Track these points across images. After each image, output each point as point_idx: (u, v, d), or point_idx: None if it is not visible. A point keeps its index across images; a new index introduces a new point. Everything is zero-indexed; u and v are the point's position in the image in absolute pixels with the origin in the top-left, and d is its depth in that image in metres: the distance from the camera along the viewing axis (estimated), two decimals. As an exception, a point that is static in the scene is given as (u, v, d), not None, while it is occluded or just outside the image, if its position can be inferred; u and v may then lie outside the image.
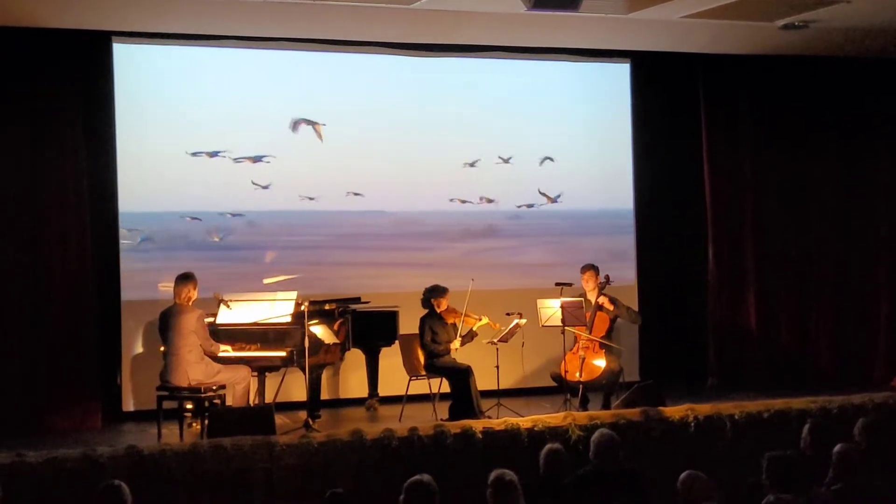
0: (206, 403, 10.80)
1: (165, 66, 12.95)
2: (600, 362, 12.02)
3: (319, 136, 13.22)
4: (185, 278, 11.06)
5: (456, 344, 11.96)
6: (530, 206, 14.26)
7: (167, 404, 10.90)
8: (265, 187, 13.22)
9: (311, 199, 13.33)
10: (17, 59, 11.90)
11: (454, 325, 12.05)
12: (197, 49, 12.98)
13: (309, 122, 13.13)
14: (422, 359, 12.16)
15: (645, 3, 11.69)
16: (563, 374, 11.94)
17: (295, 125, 13.10)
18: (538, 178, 14.26)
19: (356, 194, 13.51)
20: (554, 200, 14.26)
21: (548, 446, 8.58)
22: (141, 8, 11.46)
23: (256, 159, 13.00)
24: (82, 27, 11.96)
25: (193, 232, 13.09)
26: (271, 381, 11.76)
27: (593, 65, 14.49)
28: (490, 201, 14.12)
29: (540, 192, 14.20)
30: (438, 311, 12.08)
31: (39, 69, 11.99)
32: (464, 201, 14.01)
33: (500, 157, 14.06)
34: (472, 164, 13.93)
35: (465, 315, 12.01)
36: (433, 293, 12.13)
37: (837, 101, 14.58)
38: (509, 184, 14.17)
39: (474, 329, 12.07)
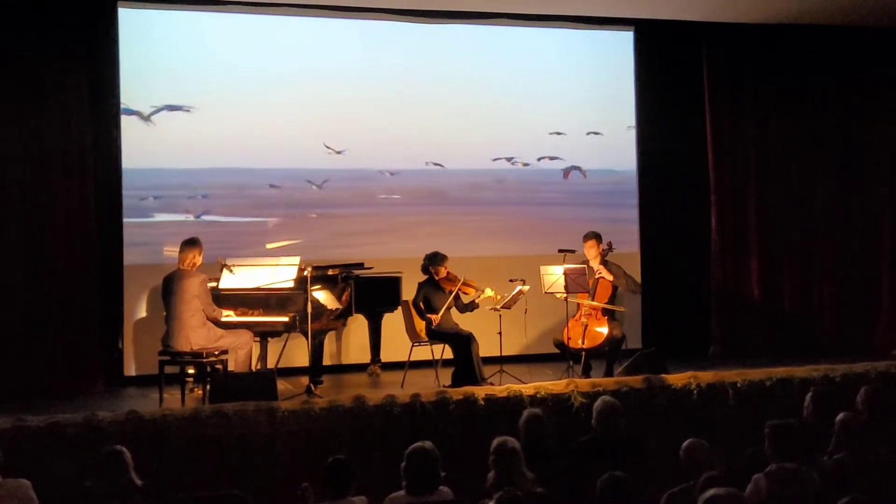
0: (209, 368, 10.79)
1: (170, 30, 12.94)
2: (603, 329, 12.00)
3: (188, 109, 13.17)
4: (190, 243, 11.05)
5: (436, 318, 11.93)
6: (526, 164, 14.31)
7: (169, 369, 10.88)
8: (339, 152, 13.39)
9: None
10: (23, 23, 11.88)
11: (451, 292, 12.02)
12: (209, 15, 13.03)
13: (173, 108, 13.02)
14: (423, 324, 12.18)
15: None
16: (565, 340, 11.93)
17: (150, 115, 12.99)
18: (542, 147, 14.26)
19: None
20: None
21: (527, 411, 8.61)
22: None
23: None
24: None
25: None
26: (273, 346, 11.76)
27: (597, 33, 14.42)
28: (510, 159, 14.22)
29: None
30: (437, 278, 12.07)
31: (46, 33, 11.97)
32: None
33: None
34: (471, 131, 13.98)
35: (464, 284, 11.99)
36: (432, 260, 12.11)
37: (840, 69, 14.55)
38: (513, 148, 14.19)
39: (477, 301, 12.04)
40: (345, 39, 13.54)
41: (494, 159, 14.12)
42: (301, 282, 11.16)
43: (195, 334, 10.71)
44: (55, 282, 11.93)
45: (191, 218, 13.00)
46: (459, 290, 11.98)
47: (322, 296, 11.37)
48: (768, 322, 14.23)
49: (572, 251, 12.15)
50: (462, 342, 11.69)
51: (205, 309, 10.82)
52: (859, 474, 7.49)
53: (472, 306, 12.03)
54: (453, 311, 12.07)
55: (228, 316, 11.11)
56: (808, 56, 14.45)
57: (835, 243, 14.59)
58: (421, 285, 12.13)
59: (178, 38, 12.98)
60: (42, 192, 11.97)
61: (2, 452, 7.75)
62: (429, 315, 11.95)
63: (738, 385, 10.94)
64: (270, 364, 11.67)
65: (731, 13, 13.60)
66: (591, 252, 12.27)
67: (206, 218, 13.05)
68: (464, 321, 12.08)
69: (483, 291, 12.01)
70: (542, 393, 10.38)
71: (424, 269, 12.14)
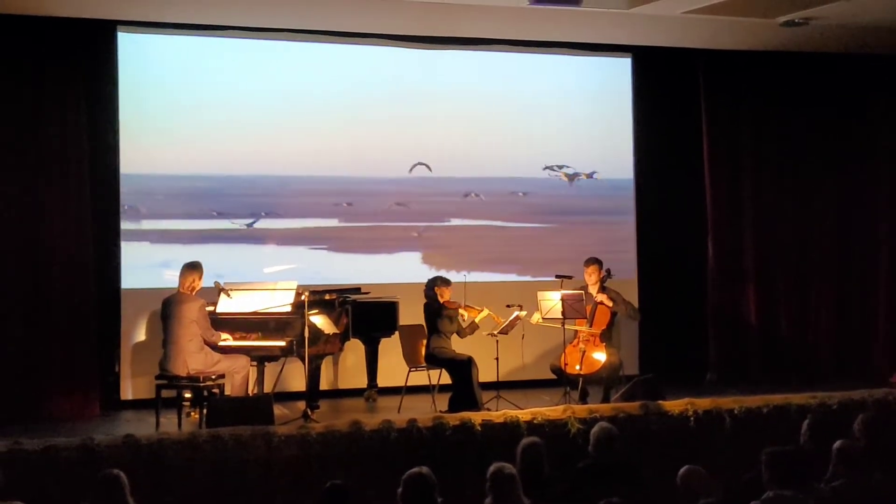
0: (205, 393, 10.79)
1: (169, 55, 13.01)
2: (600, 355, 11.99)
3: None
4: (191, 267, 11.08)
5: (465, 314, 11.95)
6: (525, 193, 14.40)
7: (166, 393, 10.90)
8: (428, 167, 13.75)
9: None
10: (24, 46, 11.93)
11: (453, 316, 12.02)
12: (203, 39, 13.08)
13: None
14: (422, 349, 12.18)
15: (646, -1, 11.73)
16: (562, 366, 11.92)
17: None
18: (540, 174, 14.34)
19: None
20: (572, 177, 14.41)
21: (525, 440, 8.58)
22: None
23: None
24: (89, 16, 11.99)
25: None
26: (270, 370, 11.77)
27: (595, 59, 14.46)
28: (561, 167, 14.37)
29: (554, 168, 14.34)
30: (441, 300, 12.06)
31: (46, 57, 12.02)
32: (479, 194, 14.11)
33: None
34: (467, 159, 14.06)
35: (466, 306, 12.00)
36: (436, 282, 12.11)
37: (837, 97, 14.62)
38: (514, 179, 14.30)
39: (476, 321, 12.02)
40: (338, 62, 13.64)
41: (545, 167, 14.32)
42: (298, 306, 11.17)
43: (192, 359, 10.71)
44: (53, 305, 11.95)
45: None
46: (461, 313, 11.97)
47: (319, 320, 11.37)
48: (765, 348, 14.24)
49: (569, 277, 12.16)
50: (461, 367, 11.67)
51: (203, 333, 10.83)
52: (856, 502, 7.48)
53: (472, 328, 12.03)
54: (453, 336, 12.06)
55: (226, 340, 11.11)
56: (805, 83, 14.52)
57: (832, 269, 14.64)
58: (428, 307, 12.11)
59: (176, 60, 13.06)
60: (40, 215, 11.99)
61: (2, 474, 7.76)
62: (467, 307, 11.96)
63: (735, 412, 10.91)
64: (267, 388, 11.69)
65: (728, 41, 13.65)
66: (592, 278, 12.27)
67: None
68: (462, 346, 12.07)
69: (481, 311, 12.00)
70: (539, 419, 10.36)
71: (428, 293, 12.13)
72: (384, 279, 13.19)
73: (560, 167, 14.28)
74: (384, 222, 13.85)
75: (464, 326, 12.01)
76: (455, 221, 14.16)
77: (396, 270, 13.54)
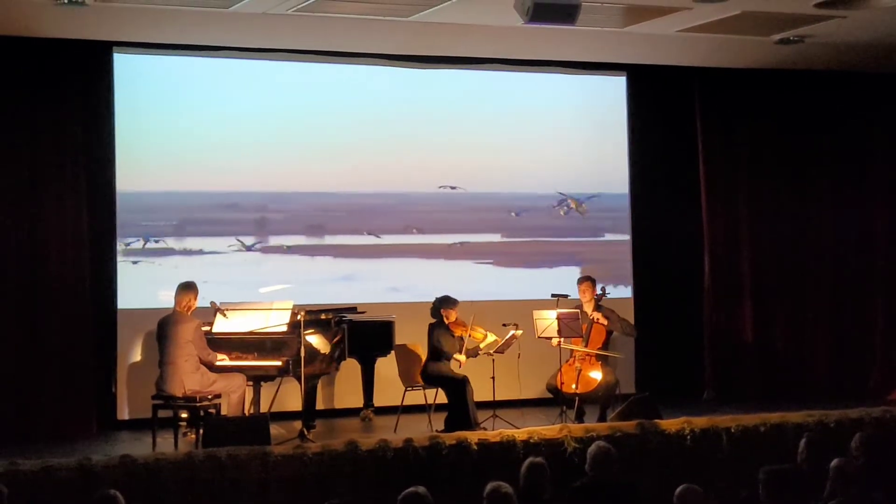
0: (202, 413, 10.79)
1: (165, 75, 13.03)
2: (596, 374, 11.99)
3: None
4: (187, 287, 11.12)
5: (461, 358, 11.92)
6: (518, 213, 14.47)
7: (162, 413, 10.91)
8: (453, 188, 13.85)
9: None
10: (21, 68, 11.96)
11: (461, 338, 12.00)
12: (198, 59, 13.06)
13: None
14: (418, 367, 12.17)
15: (641, 17, 11.70)
16: (559, 385, 11.94)
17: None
18: (535, 192, 14.37)
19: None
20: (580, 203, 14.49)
21: (529, 459, 8.56)
22: (143, 19, 11.46)
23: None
24: (85, 37, 11.99)
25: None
26: (267, 390, 11.73)
27: (590, 77, 14.50)
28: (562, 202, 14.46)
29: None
30: (447, 322, 12.05)
31: (42, 78, 12.05)
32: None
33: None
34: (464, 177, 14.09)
35: (473, 328, 11.98)
36: (443, 303, 12.10)
37: (832, 114, 14.64)
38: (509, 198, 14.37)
39: (481, 347, 12.01)
40: (333, 82, 13.71)
41: (559, 198, 14.44)
42: (294, 326, 11.17)
43: (189, 379, 10.72)
44: (49, 324, 11.93)
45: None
46: (469, 335, 11.96)
47: (315, 340, 11.38)
48: (762, 366, 14.23)
49: (566, 296, 12.18)
50: (456, 386, 11.68)
51: (199, 354, 10.85)
52: (854, 521, 7.48)
53: (475, 352, 12.02)
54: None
55: (223, 360, 11.11)
56: (800, 100, 14.54)
57: (828, 287, 14.64)
58: (432, 328, 12.10)
59: (171, 80, 13.10)
60: (36, 236, 11.99)
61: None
62: (455, 356, 11.94)
63: (732, 430, 10.89)
64: (263, 408, 11.65)
65: (723, 59, 13.67)
66: (586, 296, 12.29)
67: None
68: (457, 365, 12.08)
69: (486, 336, 11.99)
70: (536, 438, 10.33)
71: (434, 312, 12.12)
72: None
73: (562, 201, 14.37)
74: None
75: (469, 348, 11.98)
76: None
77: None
